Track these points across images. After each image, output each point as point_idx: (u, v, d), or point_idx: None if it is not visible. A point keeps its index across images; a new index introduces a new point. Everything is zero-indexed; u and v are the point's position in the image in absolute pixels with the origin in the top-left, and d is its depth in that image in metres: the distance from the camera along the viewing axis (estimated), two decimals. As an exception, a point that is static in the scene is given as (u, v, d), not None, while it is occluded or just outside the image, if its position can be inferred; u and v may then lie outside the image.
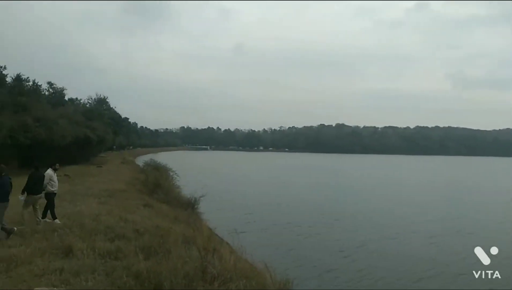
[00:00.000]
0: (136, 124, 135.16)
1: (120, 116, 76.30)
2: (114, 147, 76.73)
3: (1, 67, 30.33)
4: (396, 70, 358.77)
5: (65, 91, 48.65)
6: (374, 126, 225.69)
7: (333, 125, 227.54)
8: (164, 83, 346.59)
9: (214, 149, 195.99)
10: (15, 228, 8.38)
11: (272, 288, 6.67)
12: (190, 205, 18.06)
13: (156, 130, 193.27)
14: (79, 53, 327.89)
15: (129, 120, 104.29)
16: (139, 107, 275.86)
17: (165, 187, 20.42)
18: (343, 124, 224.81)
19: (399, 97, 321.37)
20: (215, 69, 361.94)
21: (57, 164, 10.57)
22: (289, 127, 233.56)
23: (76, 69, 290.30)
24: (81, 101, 60.00)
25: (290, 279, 7.78)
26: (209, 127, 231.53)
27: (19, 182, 9.80)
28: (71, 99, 53.65)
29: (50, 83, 45.85)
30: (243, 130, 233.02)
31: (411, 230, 19.45)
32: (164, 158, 40.68)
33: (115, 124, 64.38)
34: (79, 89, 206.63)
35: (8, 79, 32.24)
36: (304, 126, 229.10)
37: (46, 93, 42.98)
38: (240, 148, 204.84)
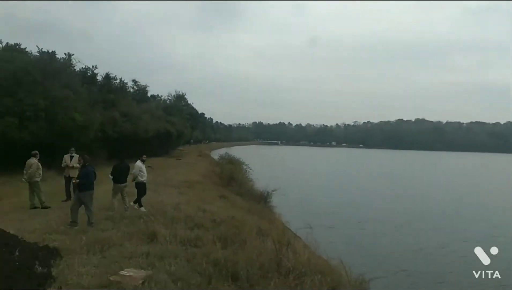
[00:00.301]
0: (212, 119, 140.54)
1: (197, 111, 79.72)
2: (191, 140, 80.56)
3: (93, 66, 33.34)
4: (485, 61, 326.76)
5: (147, 88, 52.01)
6: (459, 122, 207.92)
7: (413, 120, 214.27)
8: (239, 79, 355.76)
9: (284, 144, 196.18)
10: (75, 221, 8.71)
11: (348, 286, 6.50)
12: (262, 198, 18.38)
13: (230, 125, 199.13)
14: (160, 51, 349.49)
15: (205, 115, 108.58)
16: (214, 103, 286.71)
17: (239, 180, 20.99)
18: (423, 119, 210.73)
19: (488, 90, 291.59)
20: (288, 63, 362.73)
21: (144, 156, 11.37)
22: (364, 122, 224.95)
23: (157, 67, 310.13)
24: (162, 97, 63.64)
25: (366, 278, 7.53)
26: (280, 122, 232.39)
27: (108, 171, 10.75)
28: (153, 96, 57.29)
29: (134, 81, 49.41)
30: (314, 125, 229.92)
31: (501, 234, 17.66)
32: (237, 152, 41.77)
33: (193, 119, 67.48)
34: (160, 86, 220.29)
35: (99, 77, 35.32)
36: (381, 121, 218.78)
37: (131, 90, 46.31)
38: (312, 143, 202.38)
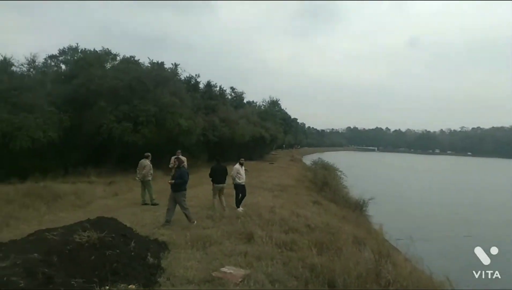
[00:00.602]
0: (304, 124, 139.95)
1: (290, 116, 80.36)
2: (284, 145, 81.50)
3: (196, 75, 36.10)
4: None
5: (244, 95, 54.07)
6: None
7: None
8: (332, 83, 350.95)
9: (381, 151, 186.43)
10: (169, 220, 9.05)
11: (456, 306, 5.98)
12: (358, 207, 17.75)
13: (322, 130, 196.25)
14: (256, 58, 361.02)
15: (298, 120, 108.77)
16: (307, 108, 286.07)
17: (333, 186, 20.55)
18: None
19: None
20: (385, 66, 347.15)
21: (242, 159, 11.81)
22: (472, 128, 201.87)
23: (253, 74, 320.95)
24: (257, 103, 65.55)
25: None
26: (377, 127, 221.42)
27: (207, 172, 11.44)
28: (248, 102, 59.24)
29: (232, 88, 51.78)
30: (415, 130, 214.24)
31: None
32: (330, 157, 41.01)
33: (285, 124, 68.21)
34: (255, 92, 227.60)
35: (201, 85, 37.99)
36: (493, 127, 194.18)
37: (229, 97, 48.62)
38: (412, 150, 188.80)
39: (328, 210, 14.57)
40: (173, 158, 13.13)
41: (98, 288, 4.38)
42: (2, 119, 17.07)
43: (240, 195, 11.21)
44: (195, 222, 9.04)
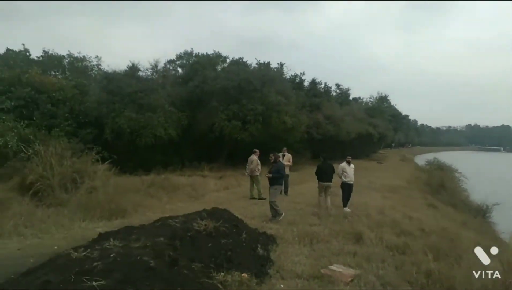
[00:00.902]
0: (416, 121, 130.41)
1: (400, 113, 75.62)
2: (393, 144, 77.00)
3: (301, 73, 36.39)
4: None
5: (349, 92, 52.48)
6: None
7: None
8: (450, 77, 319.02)
9: (509, 151, 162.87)
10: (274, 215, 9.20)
11: None
12: (480, 212, 16.00)
13: (438, 128, 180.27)
14: (363, 53, 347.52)
15: (409, 117, 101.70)
16: (420, 104, 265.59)
17: (450, 189, 18.85)
18: None
19: None
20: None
21: (349, 157, 11.51)
22: None
23: (361, 70, 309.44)
24: (364, 100, 63.05)
25: None
26: (503, 125, 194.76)
27: (311, 170, 11.56)
28: (354, 99, 57.24)
29: (337, 85, 50.62)
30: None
31: None
32: (446, 158, 37.31)
33: (395, 121, 64.38)
34: (363, 88, 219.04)
35: (306, 83, 38.08)
36: None
37: (334, 94, 47.67)
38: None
39: (445, 214, 13.42)
40: (278, 154, 13.50)
41: (215, 274, 4.71)
42: (131, 118, 19.42)
43: (342, 192, 11.00)
44: (283, 214, 9.12)
